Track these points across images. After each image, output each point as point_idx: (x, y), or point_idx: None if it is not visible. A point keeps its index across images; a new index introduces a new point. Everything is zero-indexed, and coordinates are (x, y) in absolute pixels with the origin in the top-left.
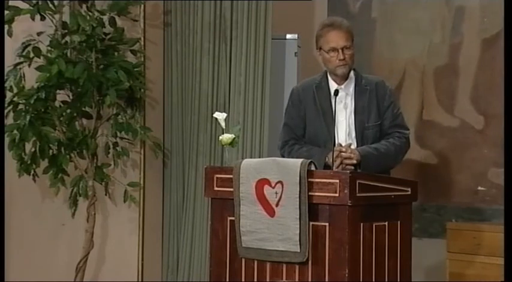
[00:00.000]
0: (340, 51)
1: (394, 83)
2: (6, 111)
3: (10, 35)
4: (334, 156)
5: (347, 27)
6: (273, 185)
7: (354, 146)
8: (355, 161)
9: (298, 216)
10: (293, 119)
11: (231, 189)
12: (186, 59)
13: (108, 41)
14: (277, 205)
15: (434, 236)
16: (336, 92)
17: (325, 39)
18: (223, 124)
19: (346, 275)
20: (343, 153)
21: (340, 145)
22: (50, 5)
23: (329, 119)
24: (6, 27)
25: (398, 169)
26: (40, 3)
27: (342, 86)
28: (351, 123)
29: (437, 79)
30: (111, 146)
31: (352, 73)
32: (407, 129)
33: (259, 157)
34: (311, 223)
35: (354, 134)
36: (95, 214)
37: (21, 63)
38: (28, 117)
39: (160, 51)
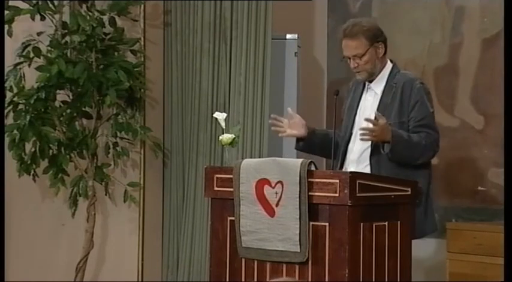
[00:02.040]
0: (351, 60)
1: None
2: (6, 111)
3: (10, 35)
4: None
5: (358, 34)
6: (273, 185)
7: (357, 147)
8: (374, 137)
9: (298, 216)
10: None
11: (231, 189)
12: (186, 59)
13: (108, 41)
14: (277, 205)
15: (434, 236)
16: (336, 93)
17: (341, 45)
18: (223, 124)
19: (346, 275)
20: (370, 126)
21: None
22: (50, 5)
23: (349, 115)
24: (6, 27)
25: None
26: (40, 3)
27: (371, 85)
28: None
29: (437, 79)
30: (111, 146)
31: (388, 69)
32: (435, 131)
33: (259, 157)
34: (311, 223)
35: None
36: (94, 214)
37: (21, 63)
38: (28, 117)
39: (160, 51)
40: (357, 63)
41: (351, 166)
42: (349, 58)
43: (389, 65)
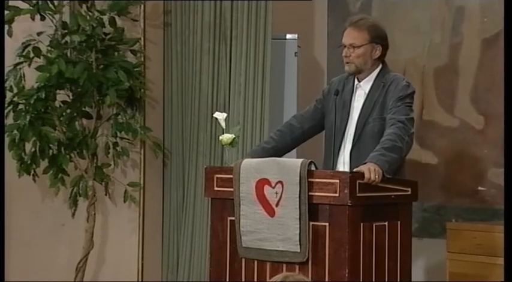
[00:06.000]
0: (346, 48)
1: None
2: (6, 111)
3: (10, 35)
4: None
5: (362, 26)
6: (273, 185)
7: (348, 148)
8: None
9: (298, 216)
10: (309, 109)
11: (231, 189)
12: (186, 59)
13: (108, 41)
14: (277, 205)
15: (434, 236)
16: (336, 92)
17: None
18: (223, 124)
19: (346, 275)
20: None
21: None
22: (50, 5)
23: (338, 114)
24: (6, 27)
25: None
26: (40, 3)
27: (361, 84)
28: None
29: (437, 79)
30: (111, 146)
31: (377, 70)
32: (407, 122)
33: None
34: (311, 223)
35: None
36: (95, 214)
37: (21, 63)
38: (28, 117)
39: (160, 51)
40: (350, 53)
41: (341, 167)
42: (345, 46)
43: (379, 66)
